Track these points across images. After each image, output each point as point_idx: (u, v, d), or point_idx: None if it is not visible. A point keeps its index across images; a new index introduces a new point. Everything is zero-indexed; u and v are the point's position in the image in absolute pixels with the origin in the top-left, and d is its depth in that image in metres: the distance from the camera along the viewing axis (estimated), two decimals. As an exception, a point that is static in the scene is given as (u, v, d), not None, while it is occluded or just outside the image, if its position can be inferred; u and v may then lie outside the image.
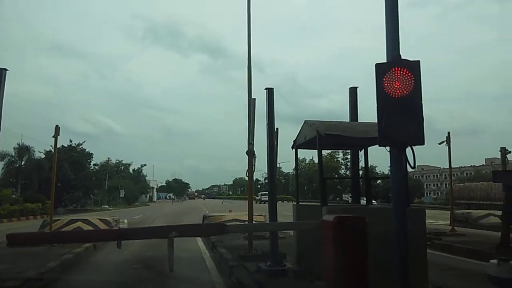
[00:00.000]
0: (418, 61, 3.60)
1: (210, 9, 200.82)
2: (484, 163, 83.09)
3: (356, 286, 3.78)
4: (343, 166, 79.69)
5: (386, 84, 3.52)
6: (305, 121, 6.56)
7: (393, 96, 3.52)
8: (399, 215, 3.44)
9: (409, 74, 3.53)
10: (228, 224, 6.75)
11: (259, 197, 60.56)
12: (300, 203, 7.39)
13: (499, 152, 9.98)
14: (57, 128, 11.41)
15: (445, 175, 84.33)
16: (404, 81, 3.51)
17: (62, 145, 46.93)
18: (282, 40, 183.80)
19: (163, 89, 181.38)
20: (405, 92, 3.51)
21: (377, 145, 7.47)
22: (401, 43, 3.69)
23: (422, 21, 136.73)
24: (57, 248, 9.75)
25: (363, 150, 7.49)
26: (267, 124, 7.46)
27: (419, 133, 3.51)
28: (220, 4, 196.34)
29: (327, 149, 9.30)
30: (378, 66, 3.59)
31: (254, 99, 8.88)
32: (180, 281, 6.74)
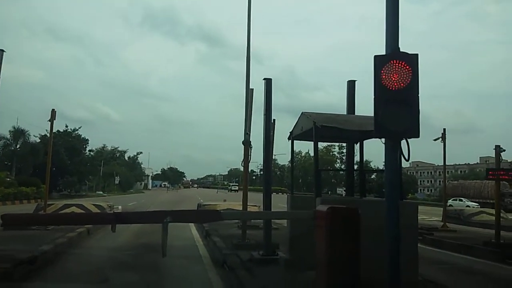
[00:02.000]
0: (417, 55, 3.59)
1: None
2: (479, 162, 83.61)
3: (347, 276, 3.82)
4: (338, 160, 79.97)
5: (384, 77, 3.51)
6: (302, 112, 6.57)
7: (391, 88, 3.51)
8: (392, 208, 3.46)
9: (407, 67, 3.52)
10: (223, 211, 6.78)
11: (230, 187, 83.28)
12: (294, 194, 7.43)
13: (494, 151, 10.05)
14: (53, 112, 11.37)
15: (439, 172, 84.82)
16: (402, 74, 3.50)
17: (58, 130, 46.68)
18: (281, 33, 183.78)
19: (159, 77, 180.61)
20: (402, 84, 3.50)
21: (373, 139, 7.51)
22: (400, 39, 3.69)
23: (420, 18, 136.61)
24: (51, 232, 9.76)
25: (358, 144, 7.53)
26: (264, 115, 7.46)
27: (414, 126, 3.51)
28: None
29: (323, 141, 9.35)
30: (377, 58, 3.58)
31: (252, 89, 8.90)
32: (173, 268, 6.79)
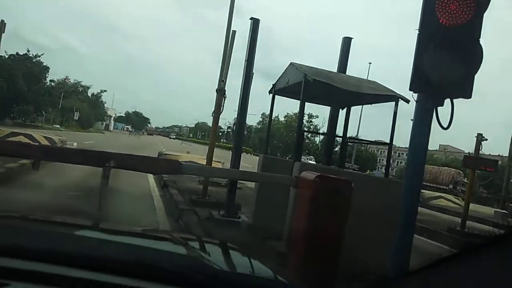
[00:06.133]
0: None
1: None
2: (438, 149, 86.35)
3: (327, 253, 3.18)
4: (306, 128, 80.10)
5: (437, 6, 2.49)
6: (290, 63, 5.70)
7: (445, 23, 2.51)
8: (413, 188, 2.67)
9: (470, -4, 2.58)
10: (184, 163, 5.93)
11: (170, 135, 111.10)
12: (268, 156, 6.68)
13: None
14: (2, 24, 9.86)
15: (398, 153, 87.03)
16: (463, 5, 2.48)
17: (17, 53, 43.42)
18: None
19: (130, 13, 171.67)
20: (459, 21, 2.49)
21: (363, 105, 6.79)
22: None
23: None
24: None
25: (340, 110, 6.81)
26: (245, 61, 6.55)
27: (467, 81, 2.57)
28: None
29: (309, 102, 8.14)
30: (430, -24, 2.60)
31: (234, 31, 7.97)
32: (120, 219, 6.00)
